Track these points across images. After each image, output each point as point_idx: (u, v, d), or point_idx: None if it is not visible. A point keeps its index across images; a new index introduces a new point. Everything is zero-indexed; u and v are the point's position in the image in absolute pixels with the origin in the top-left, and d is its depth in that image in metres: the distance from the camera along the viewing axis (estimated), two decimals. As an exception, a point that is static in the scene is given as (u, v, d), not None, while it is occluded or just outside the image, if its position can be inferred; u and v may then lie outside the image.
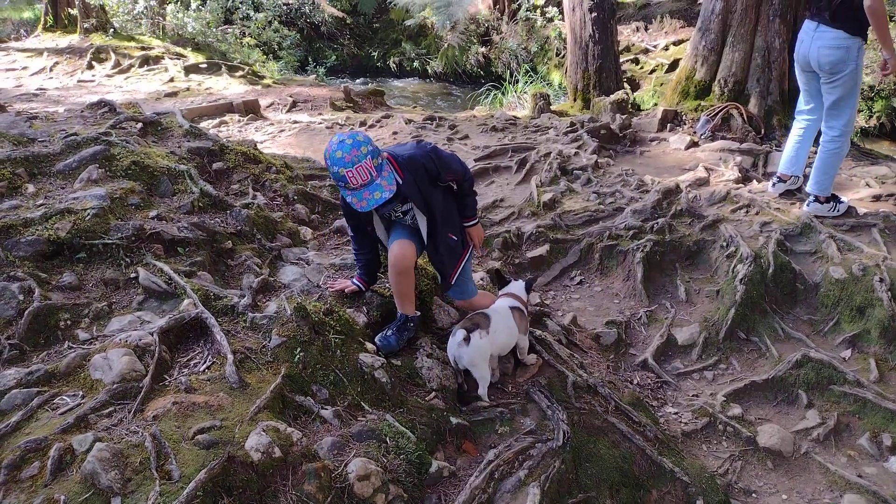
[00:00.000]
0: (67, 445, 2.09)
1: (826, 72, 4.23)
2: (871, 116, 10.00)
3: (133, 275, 3.03)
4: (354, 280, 3.18)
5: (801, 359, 3.64)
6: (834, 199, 4.62)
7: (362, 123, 7.97)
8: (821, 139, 4.56)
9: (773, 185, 4.99)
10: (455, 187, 2.97)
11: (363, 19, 16.94)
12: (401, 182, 2.73)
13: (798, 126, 4.80)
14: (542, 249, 4.74)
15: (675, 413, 3.50)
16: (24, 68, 10.82)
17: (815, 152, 4.68)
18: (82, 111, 5.05)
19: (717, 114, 6.45)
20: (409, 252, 2.90)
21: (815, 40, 4.20)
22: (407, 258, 2.90)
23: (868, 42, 4.23)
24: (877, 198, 4.95)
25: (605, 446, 2.84)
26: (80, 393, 2.38)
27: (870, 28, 4.03)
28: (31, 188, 3.50)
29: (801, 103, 4.74)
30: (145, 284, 2.95)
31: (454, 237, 3.02)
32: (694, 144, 6.33)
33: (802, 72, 4.52)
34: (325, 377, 2.67)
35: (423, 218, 2.88)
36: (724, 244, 4.49)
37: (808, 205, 4.66)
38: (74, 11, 12.31)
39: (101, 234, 3.16)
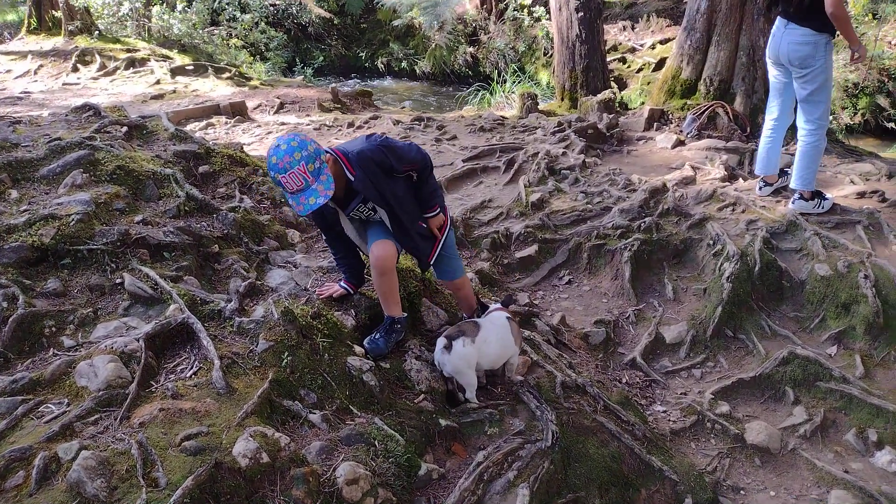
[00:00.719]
0: (53, 454, 2.08)
1: (796, 66, 4.38)
2: (855, 113, 10.09)
3: (119, 280, 3.01)
4: (342, 283, 3.16)
5: (787, 356, 3.67)
6: (818, 195, 4.68)
7: (350, 125, 7.96)
8: (798, 135, 4.66)
9: (760, 188, 5.05)
10: (415, 177, 2.92)
11: (350, 20, 16.90)
12: (352, 179, 2.70)
13: (766, 127, 4.93)
14: (530, 249, 4.75)
15: (664, 411, 3.52)
16: (8, 71, 10.73)
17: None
18: (67, 115, 5.01)
19: (703, 112, 6.49)
20: (389, 252, 2.89)
21: (785, 36, 4.37)
22: (387, 258, 2.88)
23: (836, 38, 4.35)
24: (861, 194, 5.00)
25: (594, 446, 2.85)
26: (66, 400, 2.36)
27: None
28: (14, 194, 3.47)
29: (769, 104, 4.89)
30: (131, 290, 2.93)
31: (424, 224, 3.00)
32: (680, 143, 6.36)
33: (774, 66, 4.65)
34: (313, 381, 2.66)
35: (383, 212, 2.86)
36: (711, 242, 4.51)
37: (793, 202, 4.72)
38: (59, 13, 12.21)
39: (85, 240, 3.13)
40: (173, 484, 2.01)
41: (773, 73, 4.72)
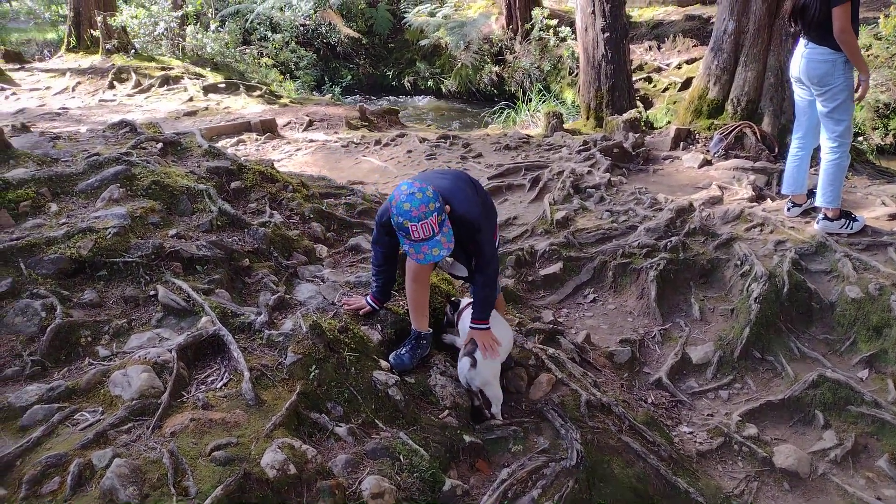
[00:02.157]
0: (87, 461, 2.13)
1: (815, 84, 4.43)
2: (886, 134, 9.93)
3: (152, 292, 3.09)
4: (369, 300, 3.20)
5: (817, 379, 3.61)
6: (846, 215, 4.63)
7: (377, 142, 8.05)
8: (821, 152, 4.64)
9: (788, 209, 5.03)
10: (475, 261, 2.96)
11: (378, 39, 17.16)
12: None
13: (793, 146, 4.94)
14: (555, 267, 4.75)
15: (690, 433, 3.48)
16: (48, 88, 11.08)
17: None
18: (104, 131, 5.16)
19: (730, 132, 6.46)
20: (426, 265, 2.91)
21: (805, 56, 4.45)
22: (424, 269, 2.95)
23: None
24: (893, 216, 4.91)
25: (619, 466, 2.83)
26: (100, 409, 2.42)
27: None
28: (54, 207, 3.58)
29: (795, 122, 4.93)
30: (164, 302, 3.00)
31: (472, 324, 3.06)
32: (707, 163, 6.33)
33: (796, 84, 4.70)
34: (339, 394, 2.69)
35: (462, 267, 3.05)
36: (739, 263, 4.47)
37: (818, 222, 4.68)
38: (97, 33, 12.61)
39: (121, 253, 3.22)
40: (203, 493, 2.05)
41: (797, 92, 4.75)
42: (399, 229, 2.64)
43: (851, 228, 4.59)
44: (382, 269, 3.13)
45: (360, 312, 3.18)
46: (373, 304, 3.19)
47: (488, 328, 2.94)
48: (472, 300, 3.11)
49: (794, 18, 4.51)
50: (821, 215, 4.67)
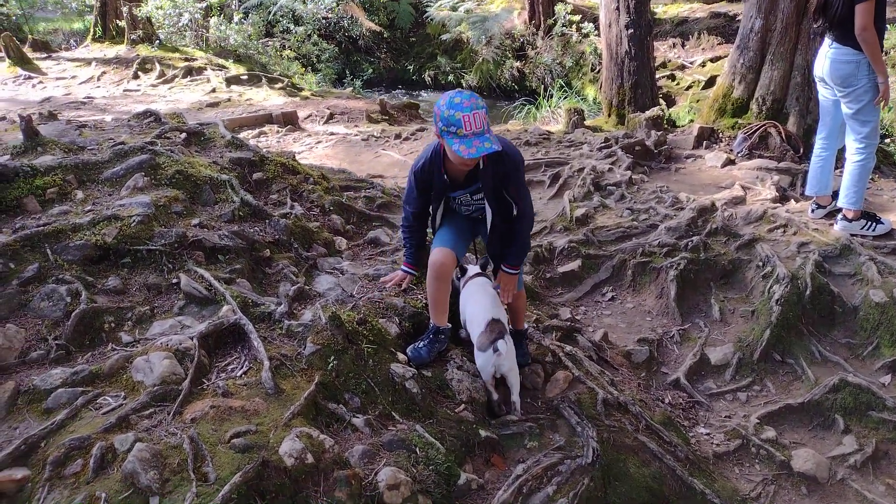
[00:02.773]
0: (109, 444, 2.16)
1: (839, 86, 4.37)
2: (915, 136, 9.74)
3: (175, 280, 3.13)
4: (404, 268, 3.20)
5: (838, 383, 3.56)
6: (868, 217, 4.59)
7: (397, 136, 8.07)
8: (846, 153, 4.61)
9: (812, 210, 4.96)
10: (514, 213, 2.88)
11: (400, 34, 17.18)
12: (480, 167, 2.77)
13: (817, 146, 4.90)
14: (573, 265, 4.73)
15: (707, 434, 3.45)
16: (73, 77, 11.24)
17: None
18: (129, 120, 5.23)
19: (754, 132, 6.38)
20: (449, 260, 2.96)
21: (828, 56, 4.39)
22: (447, 265, 2.96)
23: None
24: (920, 220, 4.83)
25: (635, 465, 2.82)
26: (122, 394, 2.46)
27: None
28: (80, 194, 3.64)
29: (819, 123, 4.87)
30: (186, 290, 3.03)
31: (504, 267, 3.02)
32: (730, 162, 6.26)
33: (820, 84, 4.64)
34: (357, 386, 2.71)
35: (489, 210, 2.88)
36: (761, 264, 4.42)
37: (837, 222, 4.64)
38: (122, 23, 12.76)
39: (145, 241, 3.26)
40: (222, 479, 2.08)
41: (821, 92, 4.68)
42: (450, 125, 2.54)
43: (874, 230, 4.54)
44: (413, 229, 3.10)
45: (402, 285, 3.24)
46: (409, 271, 3.19)
47: (517, 273, 3.02)
48: (477, 269, 3.21)
49: (818, 15, 4.46)
50: (840, 215, 4.63)
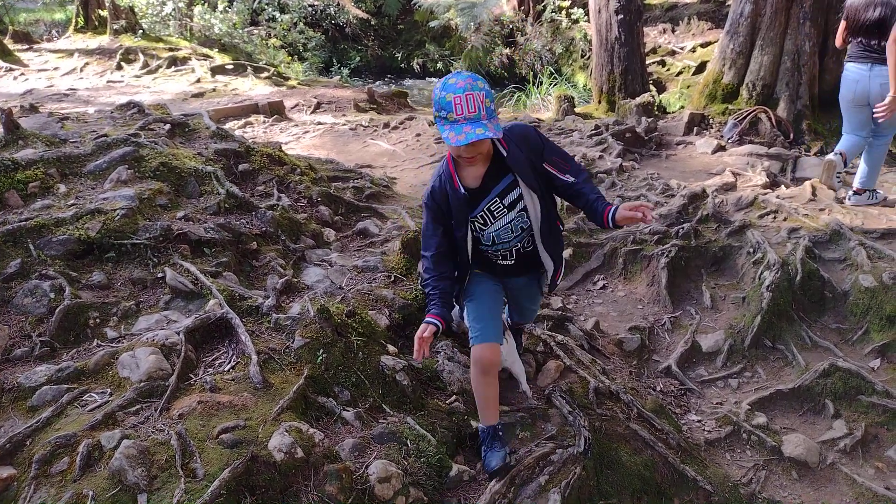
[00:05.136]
0: (96, 442, 2.14)
1: (878, 102, 4.54)
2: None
3: (160, 274, 3.09)
4: (430, 319, 2.39)
5: (828, 368, 3.58)
6: (869, 190, 4.96)
7: (385, 125, 8.00)
8: (868, 145, 4.92)
9: (849, 198, 5.09)
10: (562, 180, 2.41)
11: (387, 21, 17.03)
12: (504, 154, 2.33)
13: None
14: (564, 253, 4.71)
15: (699, 421, 3.46)
16: (56, 69, 11.06)
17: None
18: (112, 112, 5.15)
19: (744, 118, 6.37)
20: (496, 355, 2.53)
21: (874, 79, 4.52)
22: (494, 362, 2.52)
23: None
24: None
25: (627, 453, 2.82)
26: (109, 390, 2.43)
27: None
28: (62, 188, 3.58)
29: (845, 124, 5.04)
30: (172, 284, 2.99)
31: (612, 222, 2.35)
32: (721, 148, 6.26)
33: (856, 107, 4.78)
34: (347, 379, 2.69)
35: (532, 196, 2.38)
36: (751, 250, 4.42)
37: (849, 198, 4.95)
38: (105, 13, 12.56)
39: (129, 234, 3.22)
40: (211, 475, 2.05)
41: (852, 114, 4.81)
42: (440, 109, 2.18)
43: (875, 198, 4.95)
44: (439, 278, 2.45)
45: (426, 335, 2.35)
46: (435, 322, 2.38)
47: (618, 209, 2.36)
48: None
49: (861, 34, 4.53)
50: (851, 191, 4.97)
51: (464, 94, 2.14)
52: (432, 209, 2.44)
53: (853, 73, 4.65)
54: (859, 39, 4.56)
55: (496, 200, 2.39)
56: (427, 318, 2.41)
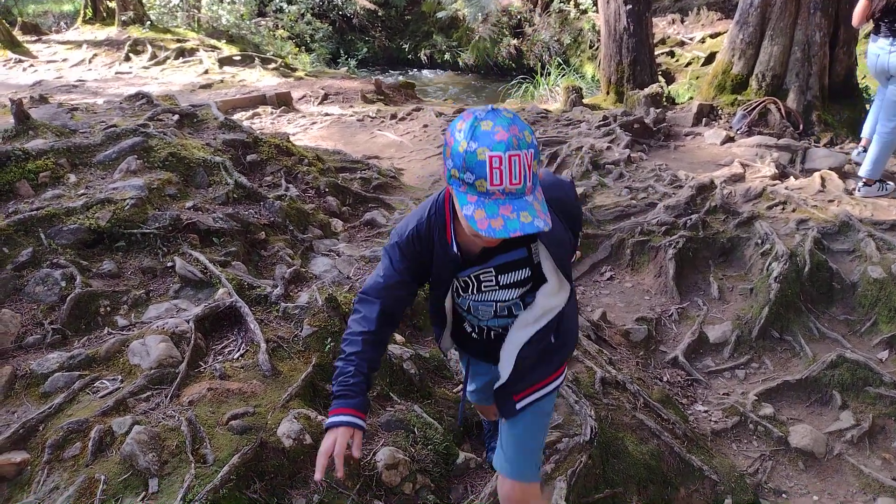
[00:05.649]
0: (107, 427, 2.16)
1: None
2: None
3: (170, 263, 3.11)
4: (348, 418, 1.63)
5: (836, 359, 3.57)
6: (879, 181, 4.98)
7: (393, 116, 8.00)
8: (878, 130, 4.96)
9: (858, 154, 5.32)
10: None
11: (395, 11, 16.96)
12: None
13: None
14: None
15: (705, 411, 3.46)
16: (64, 60, 11.09)
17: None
18: (121, 103, 5.17)
19: (754, 108, 6.33)
20: (523, 495, 1.96)
21: (894, 53, 4.66)
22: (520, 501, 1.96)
23: None
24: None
25: (633, 443, 2.83)
26: (120, 377, 2.46)
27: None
28: (72, 178, 3.61)
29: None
30: (181, 273, 3.02)
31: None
32: (730, 139, 6.22)
33: (884, 79, 4.91)
34: (355, 367, 2.70)
35: (562, 283, 1.75)
36: (759, 241, 4.41)
37: (859, 189, 4.96)
38: (113, 4, 12.57)
39: (139, 224, 3.24)
40: (220, 461, 2.08)
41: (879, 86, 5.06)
42: (465, 170, 1.43)
43: (886, 189, 4.96)
44: (369, 342, 1.68)
45: (354, 451, 1.65)
46: (357, 423, 1.63)
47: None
48: None
49: (886, 14, 4.67)
50: (861, 182, 4.98)
51: (506, 152, 1.40)
52: (407, 255, 1.71)
53: (875, 48, 4.80)
54: (885, 20, 4.71)
55: (490, 271, 1.71)
56: (343, 418, 1.62)
